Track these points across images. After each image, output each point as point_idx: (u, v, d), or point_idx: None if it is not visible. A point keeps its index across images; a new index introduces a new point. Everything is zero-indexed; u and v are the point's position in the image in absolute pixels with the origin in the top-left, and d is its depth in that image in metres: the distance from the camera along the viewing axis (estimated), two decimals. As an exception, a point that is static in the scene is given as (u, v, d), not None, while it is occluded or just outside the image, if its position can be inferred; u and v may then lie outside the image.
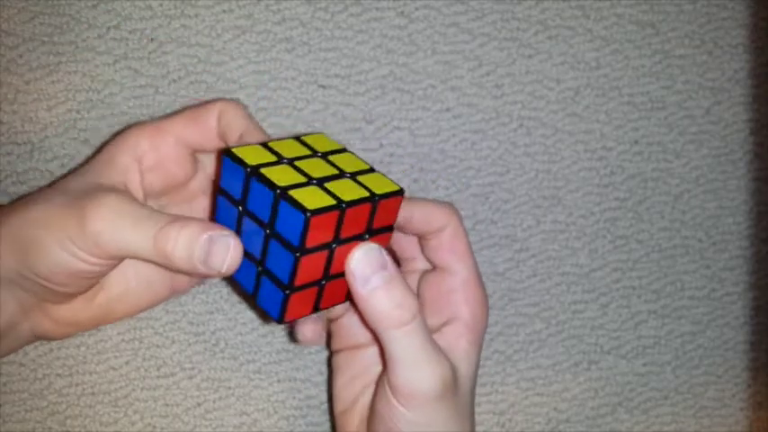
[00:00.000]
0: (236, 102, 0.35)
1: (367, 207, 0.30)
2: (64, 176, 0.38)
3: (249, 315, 0.41)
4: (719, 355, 0.47)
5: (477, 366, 0.36)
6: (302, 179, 0.30)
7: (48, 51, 0.39)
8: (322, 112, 0.42)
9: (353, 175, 0.31)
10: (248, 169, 0.29)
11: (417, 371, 0.32)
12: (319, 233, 0.29)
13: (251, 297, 0.32)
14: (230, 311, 0.41)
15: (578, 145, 0.45)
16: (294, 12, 0.41)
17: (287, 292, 0.30)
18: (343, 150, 0.32)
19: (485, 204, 0.44)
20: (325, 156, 0.32)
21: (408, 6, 0.42)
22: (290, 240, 0.29)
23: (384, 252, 0.31)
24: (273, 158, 0.30)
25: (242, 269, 0.31)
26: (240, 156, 0.30)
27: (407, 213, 0.35)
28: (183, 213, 0.36)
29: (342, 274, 0.31)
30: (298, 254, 0.29)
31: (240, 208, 0.30)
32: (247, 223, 0.30)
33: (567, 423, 0.45)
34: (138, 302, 0.36)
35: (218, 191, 0.31)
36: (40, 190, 0.36)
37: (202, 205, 0.37)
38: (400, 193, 0.31)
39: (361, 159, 0.32)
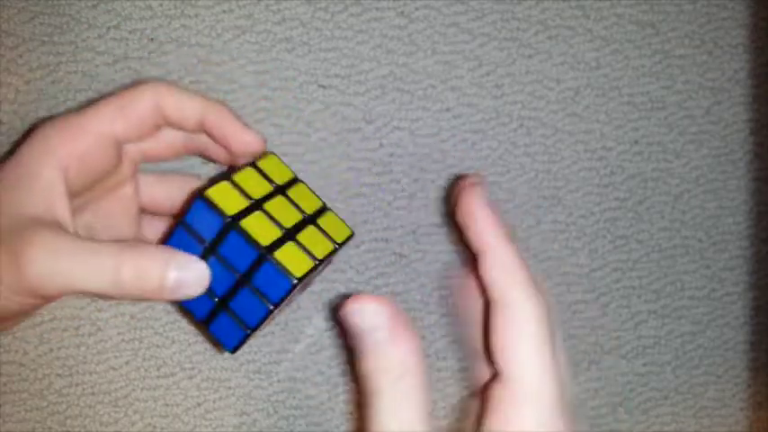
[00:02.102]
0: (166, 84, 0.33)
1: (331, 257, 0.33)
2: None
3: (249, 315, 0.41)
4: (719, 355, 0.47)
5: None
6: (278, 233, 0.31)
7: (48, 51, 0.39)
8: (322, 112, 0.42)
9: (313, 219, 0.33)
10: (228, 220, 0.30)
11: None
12: (295, 290, 0.31)
13: (200, 323, 0.32)
14: (230, 311, 0.41)
15: (578, 145, 0.45)
16: (294, 12, 0.41)
17: (248, 332, 0.32)
18: (296, 180, 0.34)
19: (485, 204, 0.44)
20: (283, 191, 0.33)
21: (408, 6, 0.42)
22: (268, 296, 0.31)
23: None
24: (245, 202, 0.31)
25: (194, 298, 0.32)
26: (216, 201, 0.30)
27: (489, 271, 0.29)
28: (108, 205, 0.34)
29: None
30: (272, 308, 0.31)
31: (206, 246, 0.31)
32: (213, 263, 0.31)
33: (567, 423, 0.45)
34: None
35: (180, 223, 0.31)
36: None
37: (127, 194, 0.35)
38: (351, 236, 0.34)
39: (312, 192, 0.35)
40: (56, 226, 0.30)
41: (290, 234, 0.32)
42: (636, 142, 0.46)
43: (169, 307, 0.41)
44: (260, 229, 0.31)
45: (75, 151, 0.31)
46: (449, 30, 0.43)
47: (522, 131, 0.44)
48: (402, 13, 0.42)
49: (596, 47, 0.45)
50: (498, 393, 0.28)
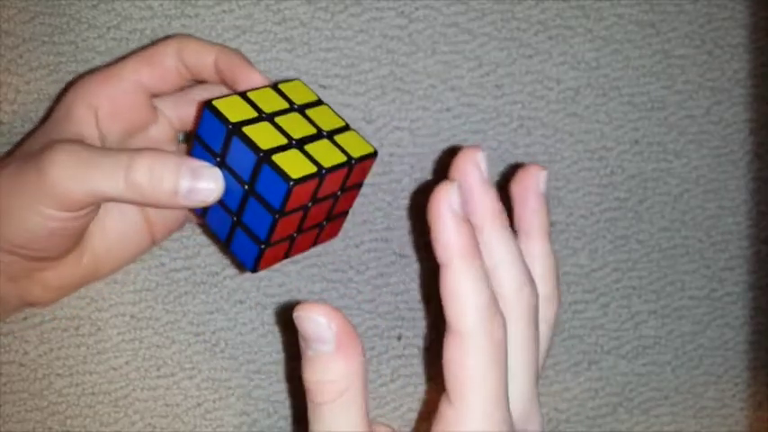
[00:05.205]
0: (189, 36, 0.35)
1: (344, 171, 0.31)
2: (21, 141, 0.38)
3: (249, 315, 0.41)
4: (719, 355, 0.47)
5: None
6: (283, 141, 0.30)
7: (48, 51, 0.39)
8: (322, 112, 0.42)
9: (330, 135, 0.32)
10: (230, 126, 0.30)
11: None
12: (299, 198, 0.30)
13: (223, 244, 0.33)
14: (230, 311, 0.41)
15: (578, 145, 0.45)
16: (294, 12, 0.41)
17: (262, 246, 0.31)
18: (319, 102, 0.33)
19: (485, 204, 0.44)
20: (302, 110, 0.32)
21: (408, 6, 0.42)
22: (270, 202, 0.30)
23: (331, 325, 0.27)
24: (254, 114, 0.31)
25: (215, 215, 0.32)
26: (221, 110, 0.30)
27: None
28: None
29: (311, 228, 0.33)
30: (276, 216, 0.30)
31: (218, 159, 0.31)
32: (225, 175, 0.31)
33: (567, 423, 0.45)
34: (122, 257, 0.36)
35: (194, 137, 0.31)
36: None
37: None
38: (374, 155, 0.32)
39: (336, 114, 0.33)
40: (79, 141, 0.32)
41: (296, 143, 0.30)
42: (636, 142, 0.46)
43: (169, 307, 0.41)
44: (262, 135, 0.30)
45: (104, 92, 0.34)
46: (449, 30, 0.43)
47: (522, 131, 0.44)
48: (402, 13, 0.42)
49: (596, 47, 0.45)
50: (446, 413, 0.28)
